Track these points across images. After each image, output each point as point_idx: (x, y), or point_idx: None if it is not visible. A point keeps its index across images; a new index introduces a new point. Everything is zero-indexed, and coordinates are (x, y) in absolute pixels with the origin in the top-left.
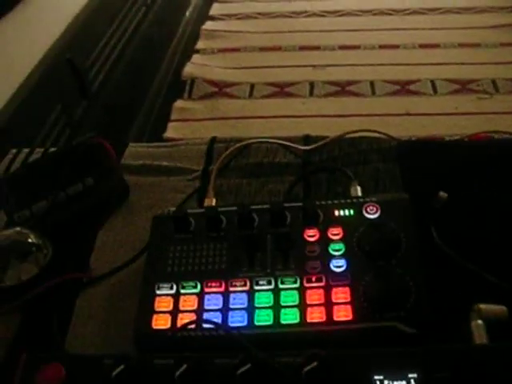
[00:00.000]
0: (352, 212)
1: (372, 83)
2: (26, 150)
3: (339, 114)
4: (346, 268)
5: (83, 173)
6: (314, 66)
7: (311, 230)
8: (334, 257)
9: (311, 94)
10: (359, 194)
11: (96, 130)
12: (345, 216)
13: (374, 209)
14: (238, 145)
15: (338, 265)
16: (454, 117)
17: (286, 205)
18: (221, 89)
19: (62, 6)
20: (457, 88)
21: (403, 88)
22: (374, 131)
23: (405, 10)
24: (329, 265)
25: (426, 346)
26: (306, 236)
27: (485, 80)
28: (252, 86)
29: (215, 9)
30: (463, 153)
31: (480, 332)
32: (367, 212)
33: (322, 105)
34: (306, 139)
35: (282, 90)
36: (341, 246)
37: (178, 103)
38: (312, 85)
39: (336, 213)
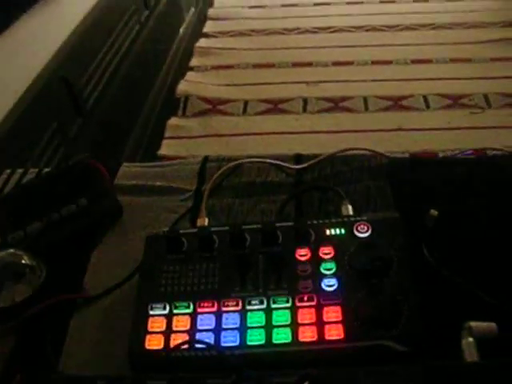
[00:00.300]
0: (343, 231)
1: (365, 99)
2: (20, 171)
3: (332, 130)
4: (338, 287)
5: (77, 193)
6: (307, 83)
7: (303, 250)
8: (325, 276)
9: (304, 110)
10: (350, 212)
11: (91, 147)
12: (336, 235)
13: (365, 228)
14: (230, 164)
15: (330, 284)
16: (447, 132)
17: (278, 224)
18: (215, 106)
19: (56, 24)
20: (449, 103)
21: (396, 103)
22: (365, 149)
23: (397, 25)
24: (320, 284)
25: (418, 364)
26: (297, 255)
27: (477, 95)
28: (246, 103)
29: (209, 26)
30: (454, 170)
31: (471, 350)
32: (358, 231)
33: (315, 121)
34: (298, 158)
35: (275, 106)
36: (332, 265)
37: (172, 120)
38: (305, 101)
39: (327, 232)
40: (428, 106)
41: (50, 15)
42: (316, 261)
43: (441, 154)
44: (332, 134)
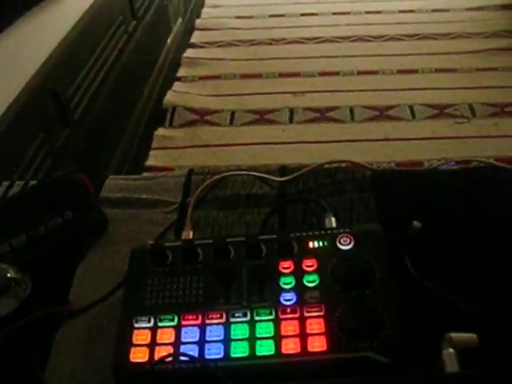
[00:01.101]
0: (326, 243)
1: (351, 109)
2: (6, 183)
3: (319, 141)
4: (320, 299)
5: (62, 206)
6: (293, 93)
7: (286, 262)
8: (308, 288)
9: (291, 120)
10: (334, 224)
11: (78, 158)
12: (319, 247)
13: (348, 240)
14: (215, 177)
15: (313, 296)
16: (432, 141)
17: (261, 237)
18: (202, 116)
19: (43, 35)
20: (435, 113)
21: (382, 113)
22: (349, 161)
23: (383, 36)
24: (303, 296)
25: (398, 375)
26: (280, 268)
27: (462, 105)
28: (232, 114)
29: (196, 36)
30: (436, 181)
31: (451, 360)
32: (341, 243)
33: (301, 131)
34: (282, 170)
35: (262, 117)
36: (315, 277)
37: (159, 131)
38: (292, 111)
39: (310, 244)
40: (414, 116)
41: (36, 26)
42: (299, 273)
43: (426, 164)
44: (318, 144)
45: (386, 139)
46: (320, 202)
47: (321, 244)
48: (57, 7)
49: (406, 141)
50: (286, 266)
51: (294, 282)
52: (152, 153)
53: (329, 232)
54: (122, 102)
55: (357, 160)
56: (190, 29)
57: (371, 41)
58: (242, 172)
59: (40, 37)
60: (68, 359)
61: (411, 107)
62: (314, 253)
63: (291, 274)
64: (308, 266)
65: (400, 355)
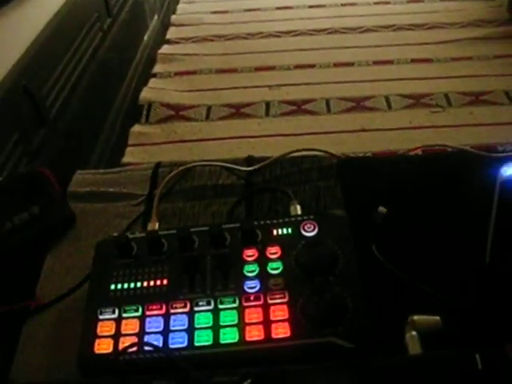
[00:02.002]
0: (290, 230)
1: (327, 101)
2: None
3: (295, 133)
4: (284, 286)
5: (29, 202)
6: (269, 86)
7: (250, 250)
8: (272, 275)
9: (267, 114)
10: (299, 212)
11: (55, 157)
12: (283, 235)
13: (312, 226)
14: (181, 168)
15: (276, 283)
16: (409, 131)
17: (225, 226)
18: (177, 112)
19: (17, 33)
20: (410, 103)
21: (358, 105)
22: (315, 150)
23: (358, 28)
24: (267, 283)
25: (361, 359)
26: (244, 256)
27: (437, 94)
28: (209, 109)
29: (171, 32)
30: (401, 168)
31: (414, 343)
32: (305, 230)
33: (278, 124)
34: (250, 160)
35: (238, 111)
36: (279, 264)
37: (136, 128)
38: (268, 105)
39: (274, 232)
40: (390, 107)
41: (10, 23)
42: (263, 261)
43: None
44: (295, 136)
45: (363, 130)
46: (285, 191)
47: (285, 231)
48: (30, 4)
49: (383, 131)
50: (250, 253)
51: (257, 270)
52: (128, 149)
53: (293, 219)
54: (99, 99)
55: (334, 151)
56: (166, 25)
57: (347, 33)
58: (209, 163)
59: (14, 34)
60: (35, 353)
61: (387, 98)
62: (278, 240)
63: (255, 261)
64: (272, 254)
65: (364, 340)
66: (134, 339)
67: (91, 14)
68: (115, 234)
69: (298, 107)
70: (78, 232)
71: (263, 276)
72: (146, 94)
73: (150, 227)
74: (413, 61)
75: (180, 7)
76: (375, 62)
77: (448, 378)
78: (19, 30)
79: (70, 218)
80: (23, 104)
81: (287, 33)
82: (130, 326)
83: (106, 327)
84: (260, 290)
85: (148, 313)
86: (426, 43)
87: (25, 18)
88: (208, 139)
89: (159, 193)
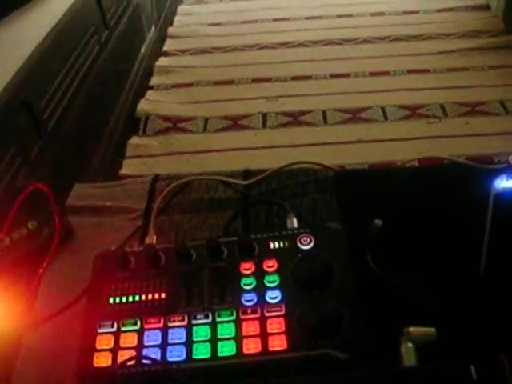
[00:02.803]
0: (286, 244)
1: (324, 112)
2: None
3: (292, 145)
4: (281, 299)
5: (26, 216)
6: (266, 98)
7: (247, 263)
8: (268, 288)
9: (264, 125)
10: (295, 225)
11: (53, 169)
12: (279, 248)
13: (308, 239)
14: (178, 182)
15: (273, 296)
16: (405, 142)
17: (222, 240)
18: (175, 124)
19: (15, 46)
20: (407, 114)
21: (354, 116)
22: (312, 163)
23: (355, 39)
24: (264, 296)
25: (358, 370)
26: (241, 269)
27: (434, 105)
28: (206, 120)
29: (168, 44)
30: (397, 180)
31: (409, 354)
32: (301, 243)
33: (274, 136)
34: (246, 173)
35: (235, 123)
36: (275, 277)
37: (133, 140)
38: (265, 116)
39: (271, 245)
40: (386, 118)
41: (7, 37)
42: (260, 274)
43: (398, 165)
44: (292, 148)
45: (359, 141)
46: (282, 204)
47: (281, 245)
48: (27, 18)
49: (379, 142)
50: (247, 267)
51: (254, 283)
52: (126, 162)
53: (289, 232)
54: (96, 111)
55: (330, 163)
56: (163, 37)
57: (343, 44)
58: (205, 176)
59: (12, 47)
60: (34, 368)
61: (383, 109)
62: (274, 253)
63: (252, 274)
64: (269, 267)
65: (360, 351)
66: (133, 353)
67: (88, 26)
68: (113, 248)
69: (295, 119)
70: (76, 246)
71: (260, 289)
72: (143, 106)
73: (147, 241)
74: (409, 72)
75: (177, 19)
76: (371, 73)
77: None
78: (17, 43)
79: (68, 232)
80: (21, 116)
81: (284, 44)
82: (129, 340)
83: (104, 341)
84: (257, 302)
85: (146, 326)
86: (422, 54)
87: (23, 31)
88: (205, 151)
89: (157, 207)
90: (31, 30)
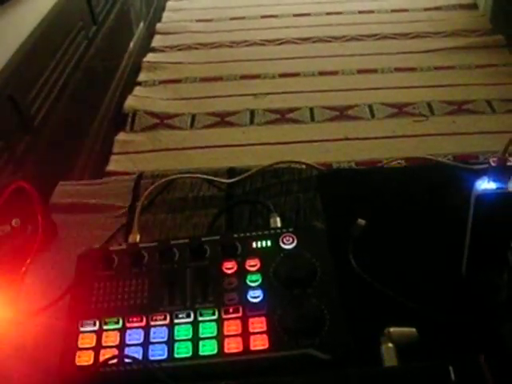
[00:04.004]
0: (269, 243)
1: (311, 110)
2: None
3: (279, 142)
4: (263, 298)
5: (10, 214)
6: (254, 95)
7: (229, 263)
8: (250, 288)
9: (252, 122)
10: (278, 224)
11: (39, 165)
12: (262, 247)
13: (291, 239)
14: (162, 180)
15: (255, 295)
16: (392, 140)
17: (205, 239)
18: (162, 120)
19: (1, 41)
20: (394, 112)
21: (342, 113)
22: (296, 162)
23: (343, 36)
24: (246, 296)
25: (338, 370)
26: (224, 268)
27: (420, 103)
28: (193, 117)
29: (157, 40)
30: (381, 180)
31: (390, 355)
32: (284, 243)
33: (262, 133)
34: (231, 172)
35: (222, 119)
36: (258, 276)
37: (120, 136)
38: (252, 113)
39: (254, 244)
40: (373, 115)
41: None
42: (242, 273)
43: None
44: (279, 145)
45: (346, 139)
46: (265, 203)
47: (264, 244)
48: (14, 13)
49: (366, 140)
50: (230, 266)
51: (236, 282)
52: (113, 158)
53: (272, 232)
54: (84, 107)
55: (317, 160)
56: (151, 33)
57: (331, 41)
58: (189, 175)
59: None
60: (16, 365)
61: (370, 106)
62: (257, 253)
63: (234, 274)
64: (251, 266)
65: (341, 351)
66: (115, 351)
67: (76, 21)
68: (97, 246)
69: (282, 116)
70: (59, 243)
71: (242, 288)
72: (130, 102)
73: (131, 239)
74: (396, 69)
75: (166, 15)
76: (359, 71)
77: None
78: (4, 38)
79: (51, 230)
80: (7, 112)
81: (272, 41)
82: (111, 339)
83: (86, 339)
84: (239, 302)
85: (128, 325)
86: (410, 52)
87: (9, 26)
88: (192, 148)
89: (141, 205)
90: (17, 24)
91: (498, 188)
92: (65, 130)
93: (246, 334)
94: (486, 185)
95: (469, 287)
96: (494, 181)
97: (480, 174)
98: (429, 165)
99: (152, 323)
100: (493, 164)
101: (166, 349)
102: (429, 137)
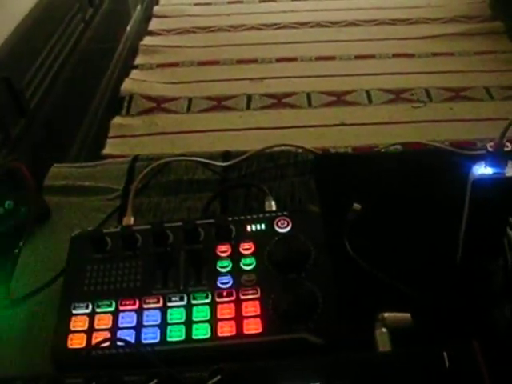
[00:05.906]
0: (264, 226)
1: (308, 95)
2: None
3: (276, 126)
4: (257, 282)
5: (3, 196)
6: (251, 79)
7: (223, 246)
8: (244, 271)
9: (248, 107)
10: (273, 208)
11: (35, 148)
12: (257, 231)
13: (286, 222)
14: (157, 163)
15: (249, 279)
16: (389, 126)
17: (199, 222)
18: (159, 104)
19: None
20: (391, 98)
21: (339, 99)
22: (292, 145)
23: (341, 21)
24: (240, 279)
25: (329, 355)
26: (218, 252)
27: (418, 89)
28: (190, 101)
29: (154, 24)
30: (377, 164)
31: (384, 340)
32: (279, 226)
33: (258, 118)
34: (226, 155)
35: (219, 103)
36: (252, 260)
37: (116, 120)
38: (249, 98)
39: (248, 228)
40: (370, 101)
41: None
42: (236, 256)
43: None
44: (275, 130)
45: (343, 124)
46: (260, 186)
47: (258, 227)
48: None
49: (363, 126)
50: (224, 249)
51: (230, 266)
52: (109, 141)
53: (267, 215)
54: (80, 90)
55: (314, 145)
56: (149, 16)
57: (329, 27)
58: (184, 157)
59: None
60: (8, 347)
61: (368, 92)
62: (251, 236)
63: (228, 257)
64: (245, 250)
65: (334, 336)
66: (107, 334)
67: (72, 4)
68: (90, 229)
69: (279, 101)
70: (53, 226)
71: (236, 272)
72: (127, 86)
73: (125, 222)
74: (394, 55)
75: None
76: (357, 57)
77: (415, 375)
78: None
79: (44, 212)
80: (2, 95)
81: (270, 26)
82: (103, 321)
83: (79, 322)
84: (232, 285)
85: (121, 308)
86: (408, 38)
87: (4, 8)
88: (189, 132)
89: (135, 187)
90: (13, 6)
91: (494, 173)
92: (60, 113)
93: (239, 318)
94: (482, 170)
95: (463, 273)
96: (491, 166)
97: (477, 159)
98: (425, 150)
99: (145, 306)
100: (490, 149)
101: (158, 332)
102: (426, 123)
